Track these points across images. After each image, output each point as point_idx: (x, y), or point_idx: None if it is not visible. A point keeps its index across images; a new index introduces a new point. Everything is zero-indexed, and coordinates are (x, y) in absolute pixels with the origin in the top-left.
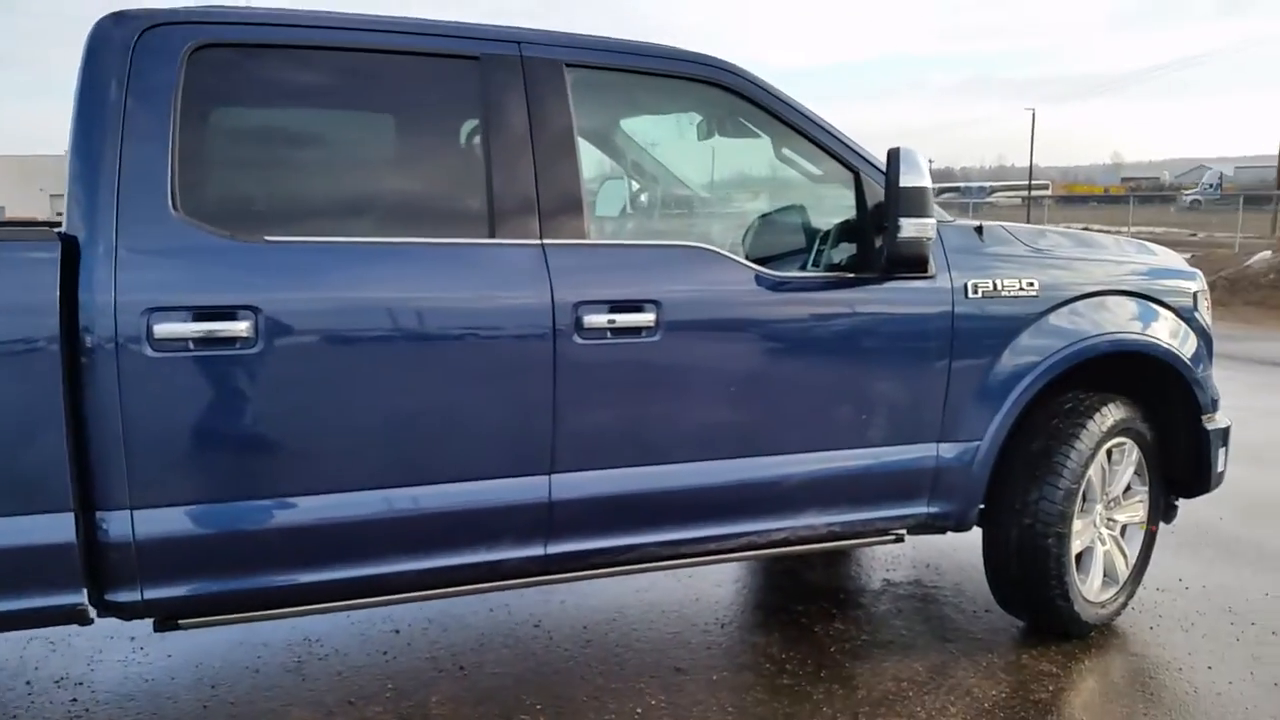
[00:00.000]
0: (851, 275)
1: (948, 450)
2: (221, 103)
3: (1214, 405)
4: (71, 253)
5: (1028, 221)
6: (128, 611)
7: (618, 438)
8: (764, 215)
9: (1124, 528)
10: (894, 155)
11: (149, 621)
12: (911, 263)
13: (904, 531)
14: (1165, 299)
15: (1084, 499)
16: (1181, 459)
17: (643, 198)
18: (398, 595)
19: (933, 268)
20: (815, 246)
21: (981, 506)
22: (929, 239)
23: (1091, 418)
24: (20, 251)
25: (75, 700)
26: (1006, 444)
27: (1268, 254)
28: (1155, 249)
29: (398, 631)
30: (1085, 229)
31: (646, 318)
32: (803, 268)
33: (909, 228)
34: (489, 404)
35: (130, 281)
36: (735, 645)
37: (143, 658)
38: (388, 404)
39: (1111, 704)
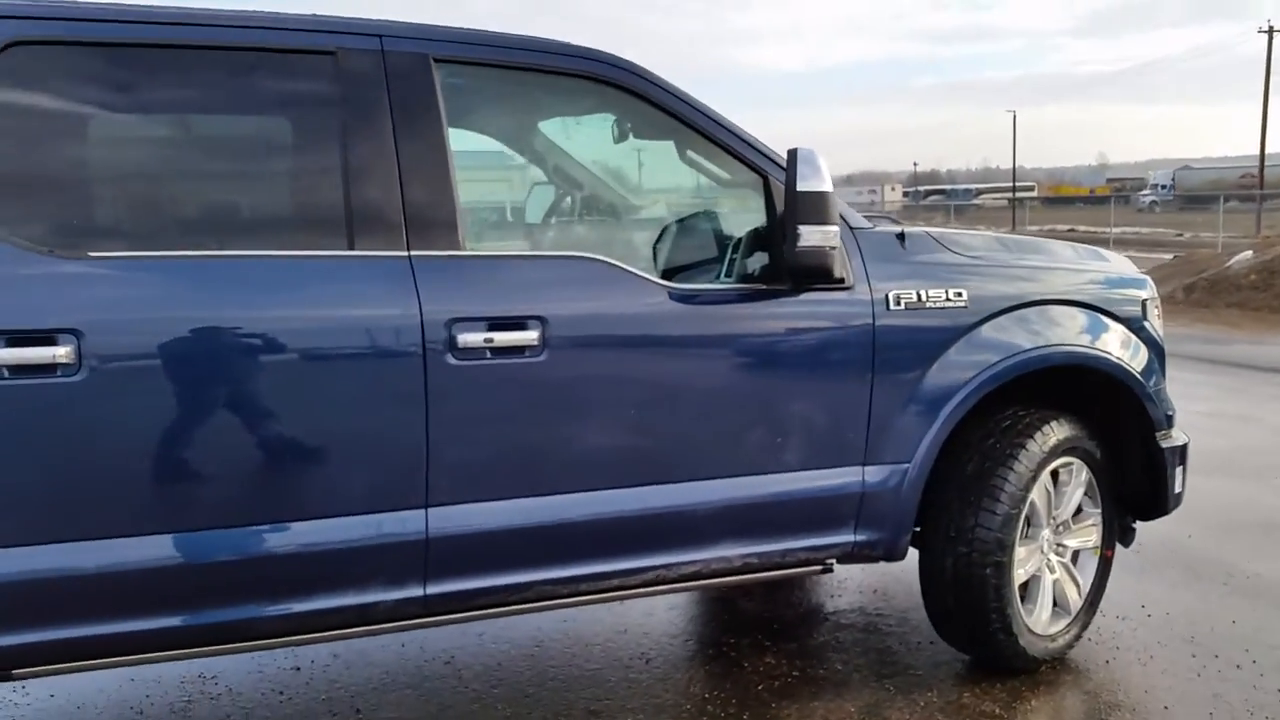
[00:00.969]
0: (762, 288)
1: (874, 474)
2: (39, 105)
3: (1169, 421)
4: None
5: (1013, 224)
6: None
7: (502, 467)
8: (676, 223)
9: (1076, 553)
10: (792, 157)
11: None
12: (814, 273)
13: (831, 562)
14: (1111, 308)
15: (1028, 524)
16: (1136, 479)
17: (536, 206)
18: (261, 641)
19: (850, 278)
20: (727, 256)
21: (919, 530)
22: (832, 248)
23: (1032, 437)
24: None
25: None
26: (940, 466)
27: (1249, 254)
28: (1107, 255)
29: (298, 669)
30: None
31: (530, 335)
32: (717, 279)
33: (809, 236)
34: (352, 432)
35: None
36: (656, 683)
37: (21, 698)
38: (234, 434)
39: None
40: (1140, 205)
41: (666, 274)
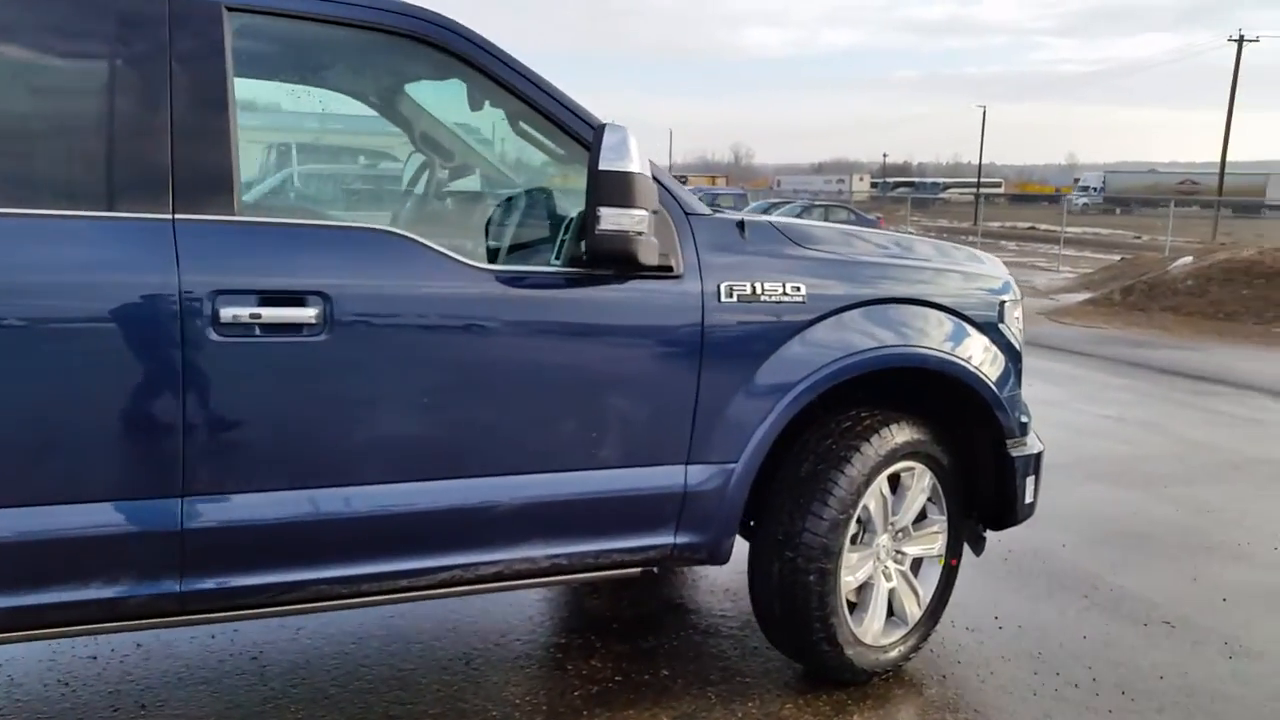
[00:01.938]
0: (581, 272)
1: (697, 474)
2: None
3: (1022, 429)
4: None
5: (975, 219)
6: None
7: (271, 455)
8: (512, 200)
9: (917, 561)
10: (598, 134)
11: None
12: (616, 259)
13: (653, 565)
14: (965, 310)
15: (862, 529)
16: (987, 487)
17: (345, 176)
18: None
19: (678, 266)
20: (559, 237)
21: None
22: (637, 233)
23: (868, 439)
24: None
25: None
26: (775, 467)
27: (1189, 259)
28: (982, 256)
29: (95, 658)
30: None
31: (308, 313)
32: (550, 261)
33: (609, 219)
34: (95, 412)
35: None
36: (468, 686)
37: None
38: None
39: None
40: (1072, 207)
41: (499, 252)
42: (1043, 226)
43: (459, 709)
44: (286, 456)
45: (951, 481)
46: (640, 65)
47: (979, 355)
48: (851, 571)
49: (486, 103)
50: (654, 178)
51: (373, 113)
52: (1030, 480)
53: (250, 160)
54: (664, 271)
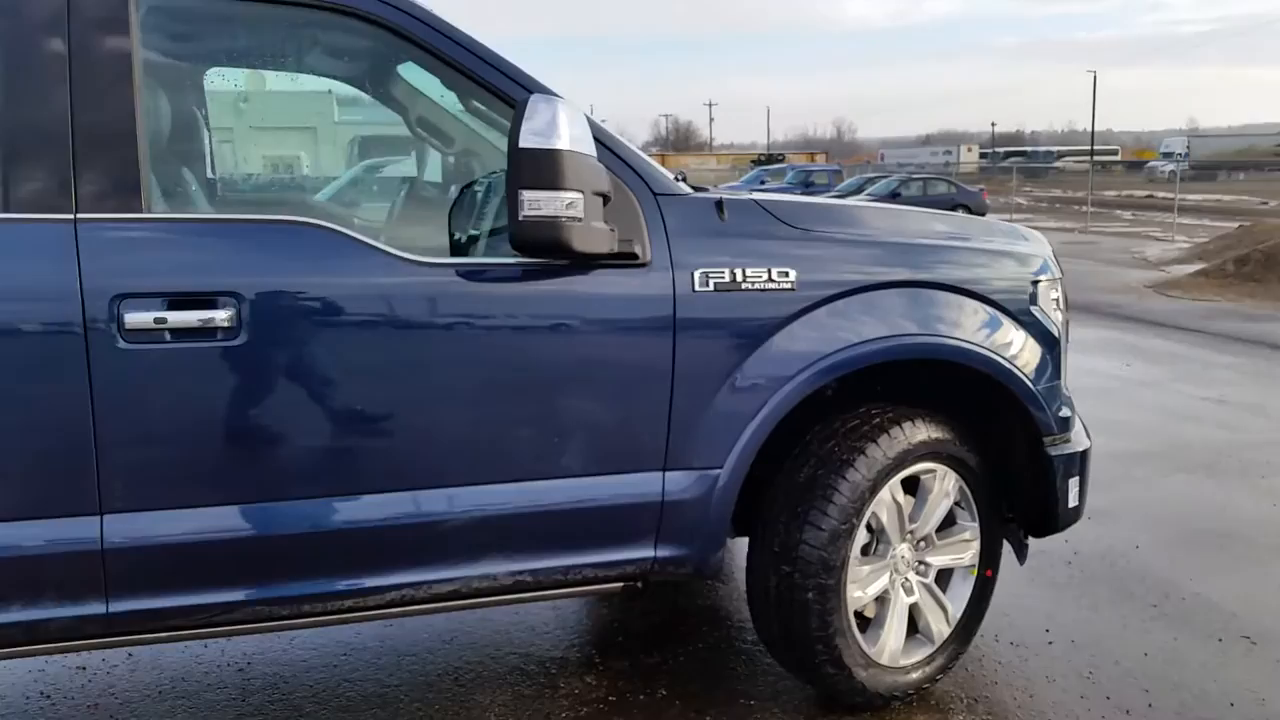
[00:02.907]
0: (533, 263)
1: (677, 480)
2: None
3: (1062, 425)
4: None
5: (1089, 188)
6: None
7: (193, 469)
8: (471, 188)
9: (945, 573)
10: (520, 108)
11: None
12: (545, 248)
13: (634, 580)
14: (989, 293)
15: (876, 539)
16: (1024, 490)
17: (273, 165)
18: None
19: (645, 253)
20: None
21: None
22: (569, 219)
23: (876, 440)
24: None
25: None
26: (773, 472)
27: None
28: (1026, 233)
29: (84, 668)
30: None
31: (220, 315)
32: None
33: (532, 204)
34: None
35: None
36: (451, 706)
37: None
38: None
39: None
40: (1154, 175)
41: (448, 243)
42: (1160, 195)
43: None
44: (210, 470)
45: (983, 484)
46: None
47: (1005, 342)
48: (862, 586)
49: (433, 80)
50: (617, 154)
51: (303, 94)
52: (1074, 481)
53: (162, 153)
54: (628, 259)
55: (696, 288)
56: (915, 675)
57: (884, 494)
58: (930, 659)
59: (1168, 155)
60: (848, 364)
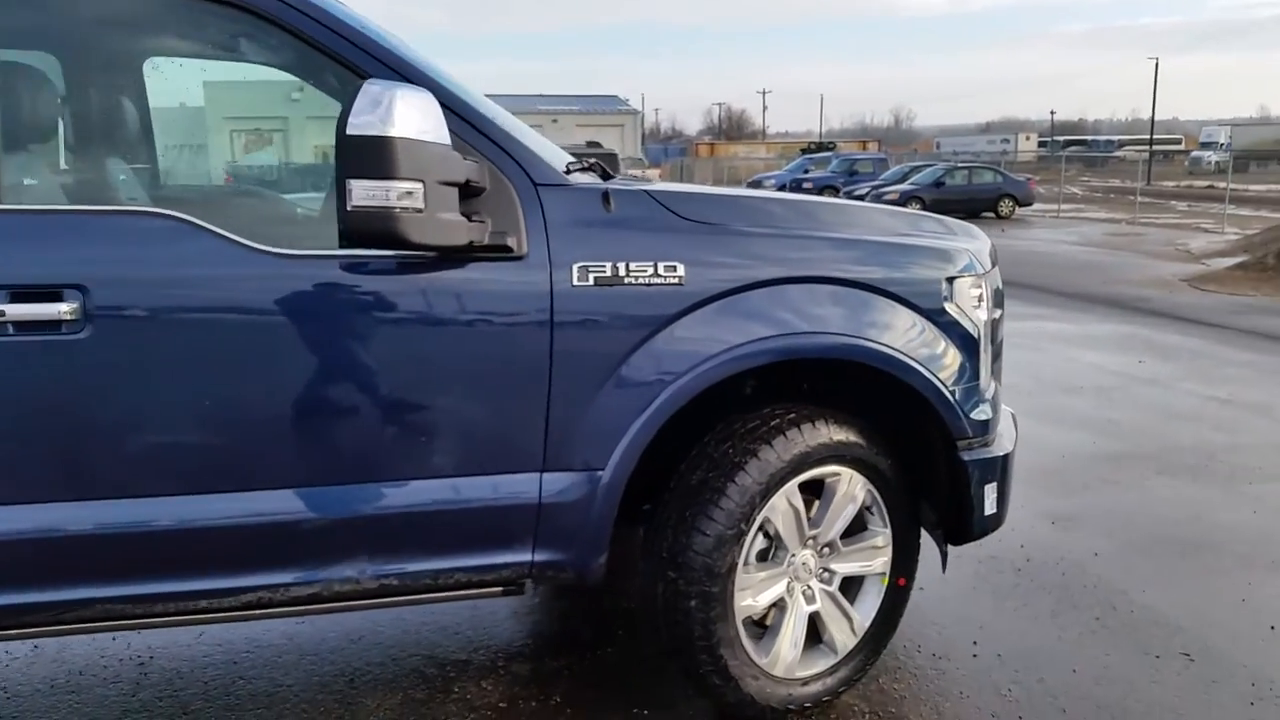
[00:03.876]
0: (395, 255)
1: (555, 482)
2: None
3: (980, 428)
4: None
5: (1148, 178)
6: None
7: (31, 464)
8: (320, 176)
9: (856, 581)
10: (351, 94)
11: None
12: (376, 240)
13: (512, 585)
14: (893, 289)
15: (773, 545)
16: (942, 497)
17: (128, 155)
18: None
19: (521, 245)
20: None
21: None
22: (400, 209)
23: (770, 442)
24: None
25: None
26: (660, 474)
27: None
28: (955, 227)
29: None
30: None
31: (63, 308)
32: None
33: (361, 193)
34: None
35: None
36: (337, 709)
37: None
38: None
39: None
40: (1197, 166)
41: (309, 233)
42: (1220, 185)
43: None
44: (55, 465)
45: (895, 490)
46: (796, 32)
47: (911, 341)
48: (755, 593)
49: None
50: (495, 142)
51: (152, 80)
52: (990, 488)
53: (13, 143)
54: (502, 252)
55: (575, 282)
56: (814, 688)
57: (778, 499)
58: (832, 670)
59: (1207, 145)
60: (734, 363)
